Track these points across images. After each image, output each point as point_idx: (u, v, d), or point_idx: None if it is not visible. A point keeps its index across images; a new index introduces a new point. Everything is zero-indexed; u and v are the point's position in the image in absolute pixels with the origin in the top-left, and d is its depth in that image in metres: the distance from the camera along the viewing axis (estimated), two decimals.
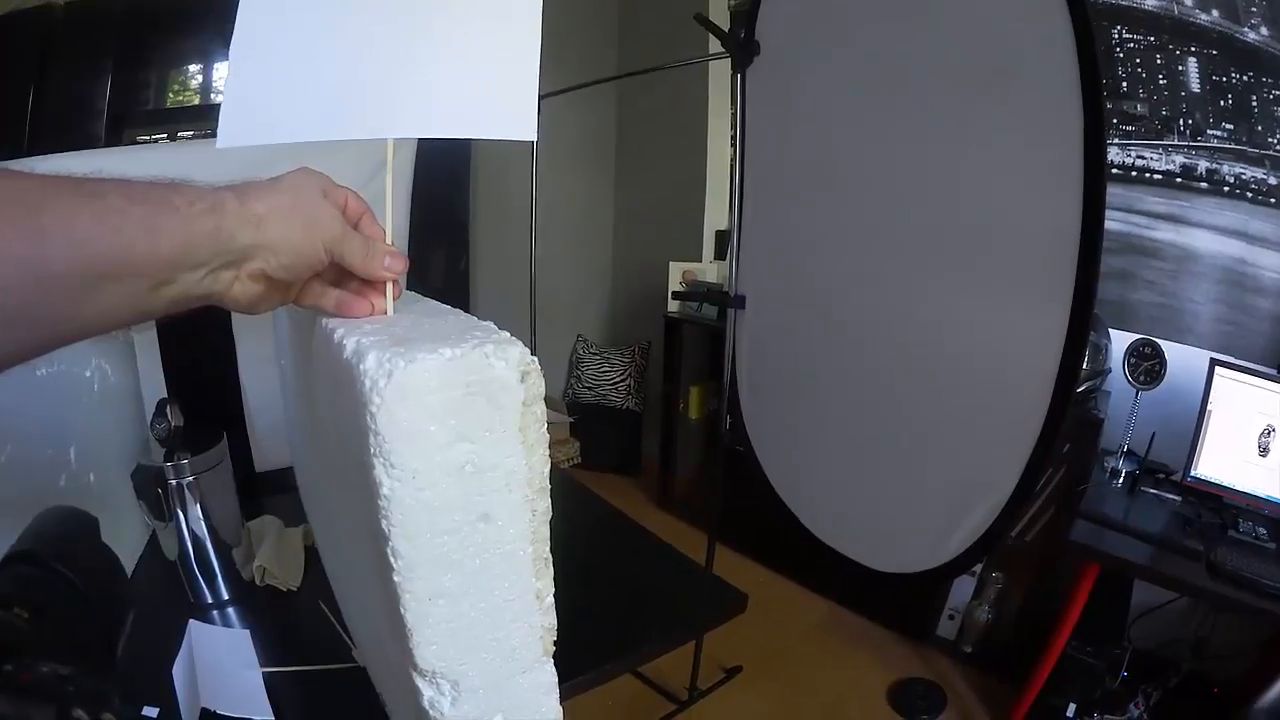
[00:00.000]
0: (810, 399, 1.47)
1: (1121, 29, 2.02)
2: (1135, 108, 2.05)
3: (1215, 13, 1.88)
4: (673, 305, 2.98)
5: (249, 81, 0.50)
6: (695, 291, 2.83)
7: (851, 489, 1.34)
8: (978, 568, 2.05)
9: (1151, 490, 1.76)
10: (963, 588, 2.13)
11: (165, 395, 1.24)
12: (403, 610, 0.42)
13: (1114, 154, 2.06)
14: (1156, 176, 2.01)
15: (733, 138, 1.66)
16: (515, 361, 0.37)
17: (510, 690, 0.48)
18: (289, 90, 0.50)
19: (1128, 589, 1.82)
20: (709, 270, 3.03)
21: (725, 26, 3.02)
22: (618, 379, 3.53)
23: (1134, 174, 2.04)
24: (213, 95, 2.42)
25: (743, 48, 1.49)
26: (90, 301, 0.33)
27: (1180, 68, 1.95)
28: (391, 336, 0.39)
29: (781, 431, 1.57)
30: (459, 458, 0.37)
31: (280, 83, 0.50)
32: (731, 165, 1.60)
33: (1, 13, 2.38)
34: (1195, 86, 1.94)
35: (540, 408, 0.38)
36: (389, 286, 0.48)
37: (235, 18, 0.49)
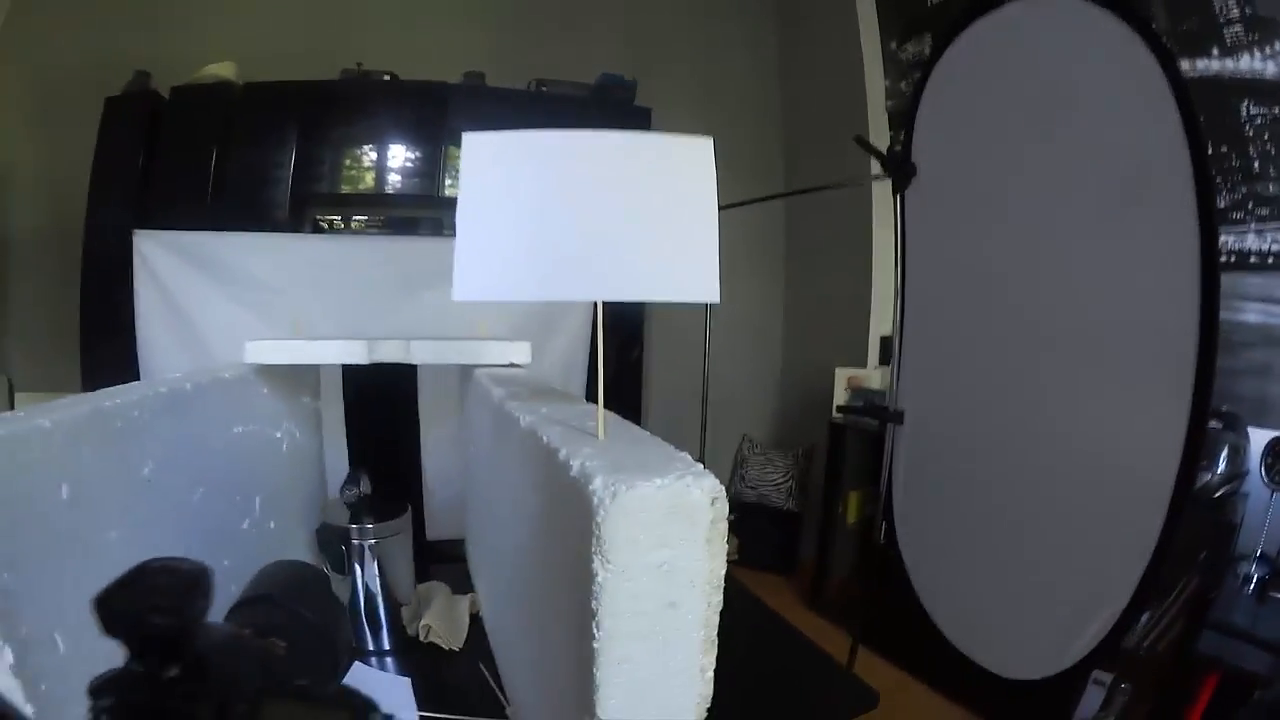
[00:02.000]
0: (955, 508, 1.51)
1: (1249, 103, 1.98)
2: (1269, 188, 1.99)
3: None
4: (837, 411, 3.06)
5: (474, 247, 0.63)
6: (857, 405, 2.92)
7: (987, 596, 1.37)
8: (1107, 678, 1.97)
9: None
10: (1091, 699, 2.03)
11: (347, 462, 1.41)
12: (595, 669, 0.52)
13: (1251, 241, 2.00)
14: None
15: (895, 247, 1.76)
16: (708, 490, 0.48)
17: None
18: (507, 256, 0.63)
19: (1249, 691, 1.72)
20: (873, 376, 3.10)
21: (884, 125, 3.15)
22: (780, 480, 3.61)
23: (1271, 260, 1.97)
24: (386, 185, 2.69)
25: (900, 170, 1.58)
26: None
27: None
28: (610, 462, 0.51)
29: (929, 539, 1.61)
30: (658, 559, 0.48)
31: (499, 250, 0.63)
32: (895, 276, 1.69)
33: (180, 83, 2.65)
34: None
35: (723, 525, 0.49)
36: None
37: (459, 196, 0.63)
